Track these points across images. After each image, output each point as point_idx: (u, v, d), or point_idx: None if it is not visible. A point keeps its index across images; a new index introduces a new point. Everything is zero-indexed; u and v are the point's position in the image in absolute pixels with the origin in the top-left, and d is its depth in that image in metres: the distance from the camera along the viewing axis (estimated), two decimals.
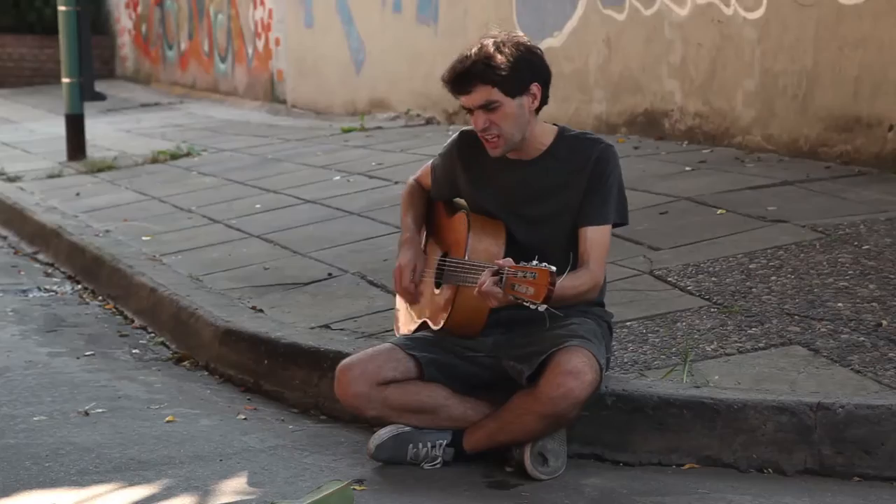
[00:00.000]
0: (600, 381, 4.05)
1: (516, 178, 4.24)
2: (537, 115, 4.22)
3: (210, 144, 11.93)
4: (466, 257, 4.18)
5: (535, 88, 4.15)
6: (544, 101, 4.20)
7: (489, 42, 4.11)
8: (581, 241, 4.17)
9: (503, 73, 4.07)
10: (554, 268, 3.80)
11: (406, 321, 4.49)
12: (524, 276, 3.81)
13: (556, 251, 4.12)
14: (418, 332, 4.38)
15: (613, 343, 4.67)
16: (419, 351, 4.25)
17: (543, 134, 4.25)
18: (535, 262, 3.82)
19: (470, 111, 4.16)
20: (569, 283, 4.00)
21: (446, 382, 4.24)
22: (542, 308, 3.82)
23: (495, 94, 4.09)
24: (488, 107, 4.10)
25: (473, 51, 4.10)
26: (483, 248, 4.19)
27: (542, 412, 4.00)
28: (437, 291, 4.32)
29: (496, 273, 3.89)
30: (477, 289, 3.96)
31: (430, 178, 4.49)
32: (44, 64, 20.04)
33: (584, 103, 10.12)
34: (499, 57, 4.08)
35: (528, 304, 3.82)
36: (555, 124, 4.31)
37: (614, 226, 4.27)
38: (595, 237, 4.18)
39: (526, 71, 4.13)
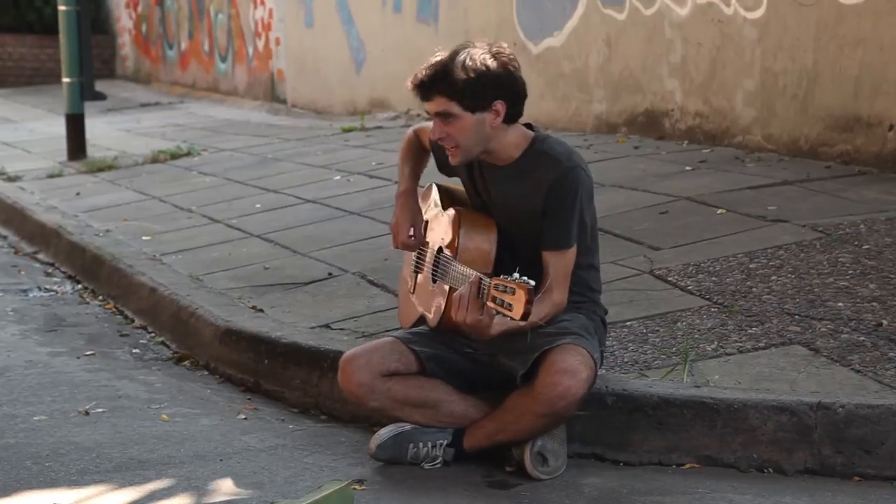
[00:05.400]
0: (595, 376, 4.06)
1: (489, 182, 4.26)
2: (513, 124, 4.17)
3: (210, 144, 11.93)
4: (458, 257, 4.18)
5: (498, 105, 4.10)
6: (516, 115, 4.15)
7: (458, 54, 4.09)
8: (544, 264, 4.15)
9: (460, 89, 4.06)
10: (532, 282, 3.77)
11: (407, 313, 4.51)
12: (504, 290, 3.80)
13: (532, 259, 4.14)
14: (419, 327, 4.40)
15: (613, 343, 4.67)
16: (420, 346, 4.26)
17: (516, 143, 4.20)
18: (515, 276, 3.80)
19: (431, 116, 4.18)
20: (534, 316, 3.97)
21: (447, 378, 4.25)
22: (523, 323, 3.81)
23: (453, 108, 4.08)
24: (445, 117, 4.10)
25: (439, 58, 4.11)
26: (474, 246, 4.20)
27: (540, 412, 4.01)
28: (433, 287, 4.33)
29: (477, 286, 3.90)
30: (456, 305, 3.95)
31: (428, 140, 4.44)
32: (44, 64, 20.03)
33: (584, 103, 10.12)
34: (458, 72, 4.06)
35: (508, 318, 3.82)
36: (534, 129, 4.26)
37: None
38: (555, 262, 4.14)
39: (489, 88, 4.08)
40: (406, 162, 4.51)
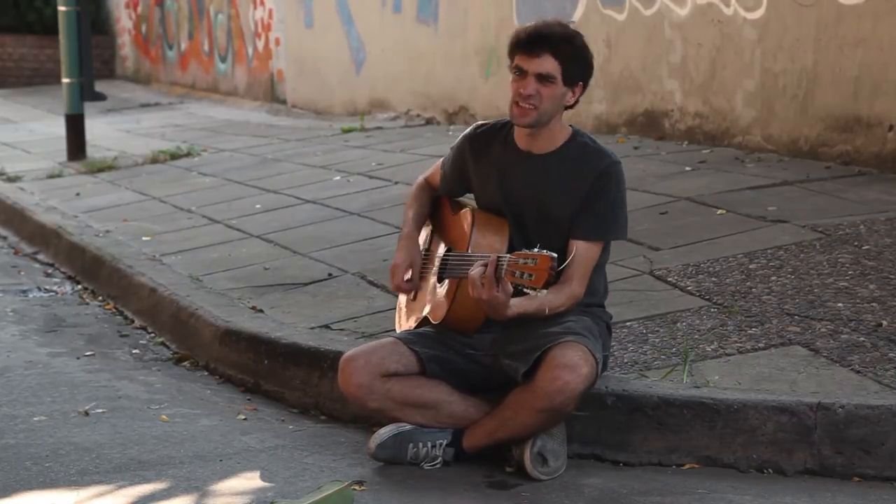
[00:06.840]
0: (596, 374, 4.07)
1: (523, 171, 4.26)
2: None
3: (210, 144, 11.93)
4: (470, 251, 4.19)
5: (578, 87, 4.20)
6: (576, 103, 4.24)
7: (568, 26, 4.19)
8: (569, 254, 4.16)
9: (570, 57, 4.13)
10: (555, 254, 3.82)
11: (408, 316, 4.51)
12: (525, 263, 3.84)
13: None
14: (420, 328, 4.40)
15: (613, 343, 4.67)
16: (421, 346, 4.26)
17: (559, 132, 4.27)
18: (536, 249, 3.85)
19: (521, 74, 4.15)
20: (548, 303, 4.04)
21: (448, 379, 4.25)
22: (543, 293, 3.84)
23: (557, 72, 4.13)
24: (545, 78, 4.12)
25: (557, 23, 4.16)
26: (487, 243, 4.21)
27: (539, 407, 4.01)
28: (438, 286, 4.33)
29: (495, 264, 3.91)
30: (472, 283, 3.95)
31: (439, 174, 4.51)
32: (44, 64, 20.03)
33: (584, 103, 9.99)
34: (578, 40, 4.15)
35: (528, 291, 3.84)
36: (570, 126, 4.33)
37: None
38: (584, 253, 4.17)
39: (584, 69, 4.21)
40: (412, 205, 4.53)
